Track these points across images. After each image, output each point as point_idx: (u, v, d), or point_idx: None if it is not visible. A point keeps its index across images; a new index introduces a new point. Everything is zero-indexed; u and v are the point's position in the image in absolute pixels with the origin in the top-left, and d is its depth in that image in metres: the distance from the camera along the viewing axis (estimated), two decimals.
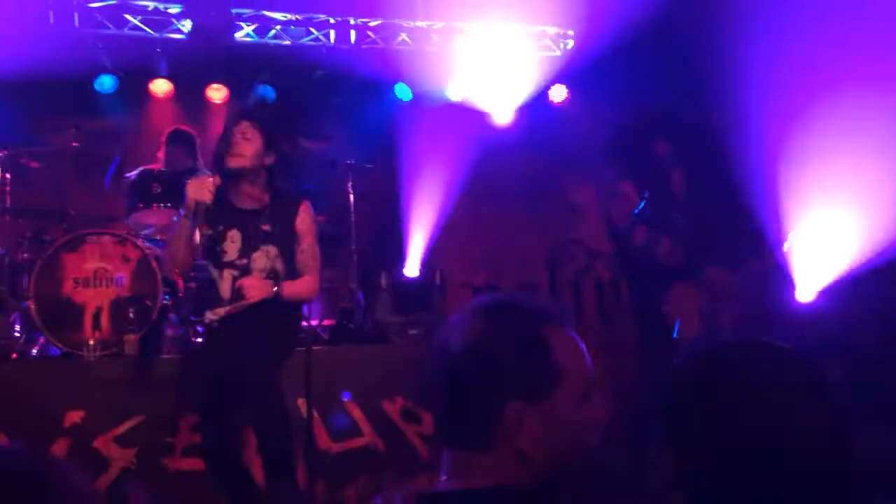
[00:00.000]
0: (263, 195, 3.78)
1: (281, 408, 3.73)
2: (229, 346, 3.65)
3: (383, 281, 5.75)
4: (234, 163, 3.69)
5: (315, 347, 4.29)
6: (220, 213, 3.73)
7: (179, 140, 5.71)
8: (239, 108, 4.19)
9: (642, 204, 3.51)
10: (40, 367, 4.66)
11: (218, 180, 3.65)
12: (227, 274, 3.74)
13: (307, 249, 3.80)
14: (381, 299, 5.73)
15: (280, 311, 3.74)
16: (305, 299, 3.92)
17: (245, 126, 3.72)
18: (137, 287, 4.79)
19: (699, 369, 1.21)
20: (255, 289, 3.65)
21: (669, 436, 1.19)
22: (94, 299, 4.76)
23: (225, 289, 3.74)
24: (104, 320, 4.73)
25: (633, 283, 4.27)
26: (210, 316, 3.77)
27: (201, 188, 3.60)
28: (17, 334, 4.96)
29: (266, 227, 3.74)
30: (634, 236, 3.68)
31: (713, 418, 1.14)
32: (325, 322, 5.83)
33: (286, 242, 3.77)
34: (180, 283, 5.01)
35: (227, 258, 3.74)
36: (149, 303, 4.76)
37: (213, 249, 3.76)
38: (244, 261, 3.72)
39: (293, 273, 3.79)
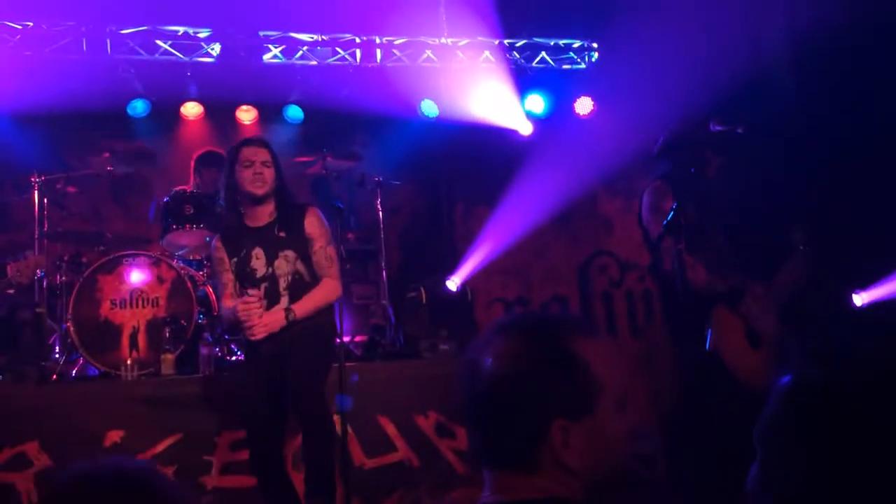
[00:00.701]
0: (274, 211, 3.97)
1: (329, 418, 3.81)
2: (274, 358, 3.77)
3: (422, 296, 5.76)
4: (262, 190, 3.90)
5: (348, 364, 4.31)
6: (240, 238, 3.93)
7: (210, 161, 5.80)
8: (251, 137, 4.33)
9: (671, 214, 3.45)
10: (80, 388, 4.73)
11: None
12: (261, 288, 3.87)
13: (320, 251, 3.92)
14: (419, 315, 5.73)
15: (312, 320, 3.84)
16: (329, 303, 3.94)
17: (263, 153, 3.93)
18: (173, 307, 4.89)
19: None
20: (262, 328, 3.76)
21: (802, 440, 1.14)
22: (131, 320, 4.86)
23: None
24: (141, 340, 4.83)
25: (664, 299, 4.21)
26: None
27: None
28: (56, 356, 5.07)
29: (281, 234, 3.91)
30: (662, 248, 3.62)
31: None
32: (357, 338, 5.87)
33: (300, 246, 3.90)
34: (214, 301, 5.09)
35: (258, 275, 3.88)
36: (184, 322, 4.84)
37: (243, 272, 3.91)
38: (269, 270, 3.87)
39: (315, 275, 3.91)
